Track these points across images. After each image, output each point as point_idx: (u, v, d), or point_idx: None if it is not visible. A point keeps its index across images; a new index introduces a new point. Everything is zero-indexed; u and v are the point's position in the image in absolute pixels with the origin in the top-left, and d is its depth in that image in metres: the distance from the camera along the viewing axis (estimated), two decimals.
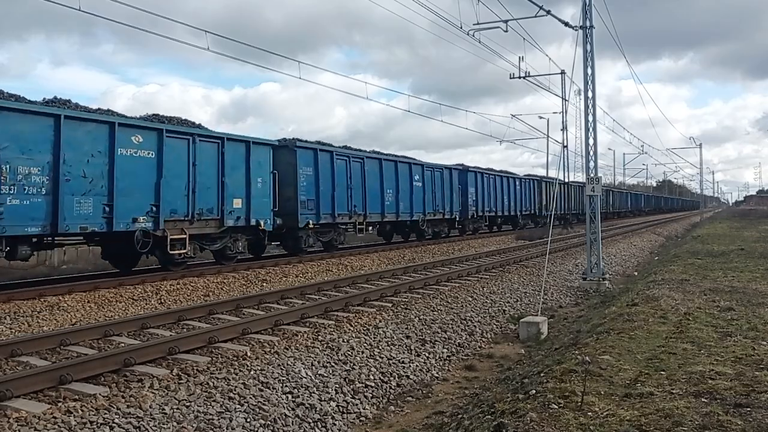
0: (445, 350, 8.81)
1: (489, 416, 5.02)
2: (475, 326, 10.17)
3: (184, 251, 13.41)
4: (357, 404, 6.54)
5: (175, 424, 5.31)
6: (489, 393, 6.43)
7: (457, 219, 26.87)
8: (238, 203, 14.85)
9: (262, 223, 15.49)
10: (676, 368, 5.59)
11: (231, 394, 6.00)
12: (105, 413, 5.24)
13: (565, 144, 38.23)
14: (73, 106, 12.29)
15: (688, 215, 76.02)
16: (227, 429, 5.45)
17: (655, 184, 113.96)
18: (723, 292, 10.21)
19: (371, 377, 7.23)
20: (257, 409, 5.85)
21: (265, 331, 8.38)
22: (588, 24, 15.11)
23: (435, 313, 10.41)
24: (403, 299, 11.17)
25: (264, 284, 13.45)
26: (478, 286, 13.21)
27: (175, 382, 6.09)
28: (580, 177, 46.46)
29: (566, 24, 15.50)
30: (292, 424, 5.82)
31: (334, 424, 6.06)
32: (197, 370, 6.51)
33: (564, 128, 38.03)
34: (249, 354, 7.18)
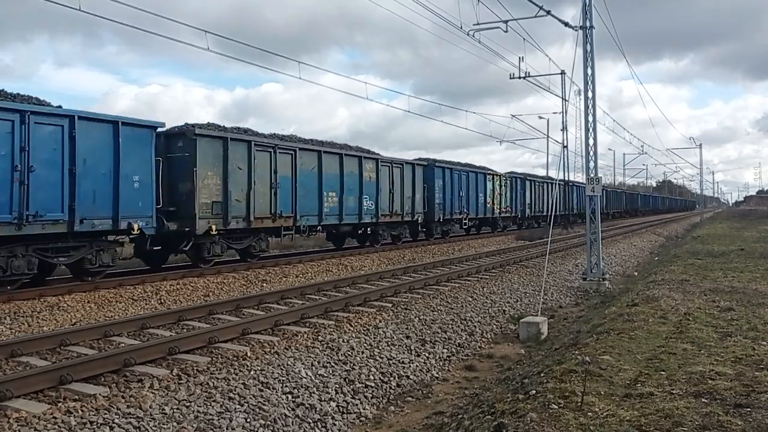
0: (445, 350, 8.81)
1: (489, 416, 5.03)
2: (475, 326, 10.17)
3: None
4: (357, 404, 6.54)
5: (175, 424, 5.31)
6: (489, 393, 6.43)
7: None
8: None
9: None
10: (676, 368, 5.59)
11: (231, 394, 6.00)
12: (105, 413, 5.24)
13: (565, 144, 38.25)
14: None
15: (688, 215, 75.96)
16: (227, 429, 5.45)
17: (655, 185, 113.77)
18: (723, 293, 10.21)
19: (371, 377, 7.23)
20: (257, 409, 5.85)
21: (265, 331, 8.38)
22: (588, 24, 15.11)
23: (435, 313, 10.42)
24: (403, 299, 11.17)
25: (264, 284, 13.45)
26: (478, 286, 13.21)
27: (175, 382, 6.09)
28: (580, 177, 46.53)
29: (566, 24, 15.50)
30: (292, 424, 5.83)
31: (334, 425, 6.06)
32: (197, 370, 6.51)
33: (564, 128, 38.03)
34: (249, 354, 7.18)
